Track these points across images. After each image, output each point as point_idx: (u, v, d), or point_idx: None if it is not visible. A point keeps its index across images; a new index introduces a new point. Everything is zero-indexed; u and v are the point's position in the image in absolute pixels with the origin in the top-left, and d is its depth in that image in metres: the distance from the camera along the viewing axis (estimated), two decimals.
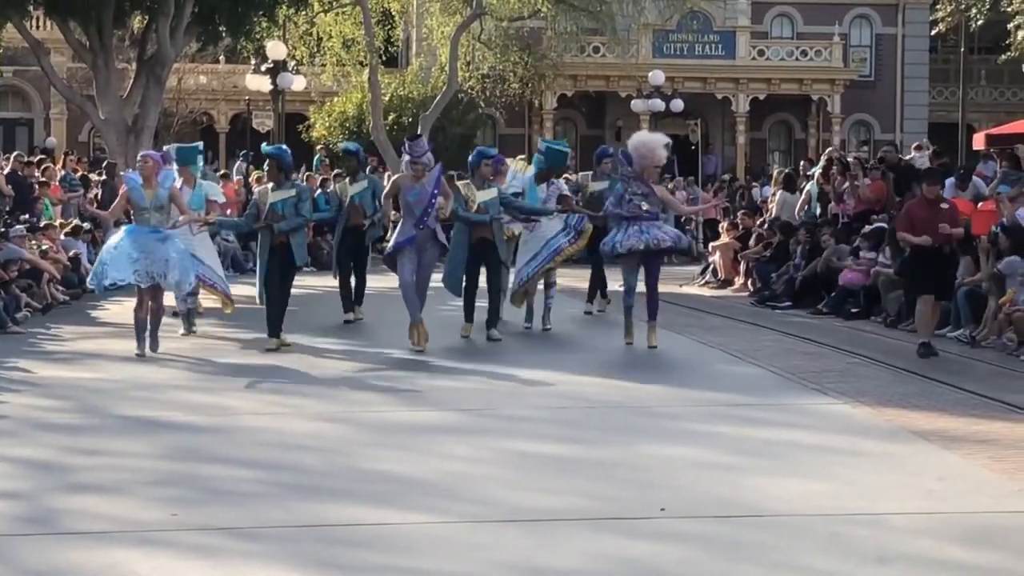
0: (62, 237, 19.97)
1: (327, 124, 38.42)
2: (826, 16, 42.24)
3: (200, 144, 16.52)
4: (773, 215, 22.14)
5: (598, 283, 16.64)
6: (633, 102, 37.37)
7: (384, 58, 38.13)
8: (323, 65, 38.33)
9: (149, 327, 12.98)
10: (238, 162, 33.87)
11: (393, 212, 14.45)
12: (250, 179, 27.59)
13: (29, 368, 12.37)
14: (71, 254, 19.43)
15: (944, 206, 13.45)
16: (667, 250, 13.53)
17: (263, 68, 31.17)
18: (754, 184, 33.16)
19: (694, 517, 6.95)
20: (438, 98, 35.66)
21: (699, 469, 8.04)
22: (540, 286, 15.07)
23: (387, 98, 37.07)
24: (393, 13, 39.24)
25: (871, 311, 16.56)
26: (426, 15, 38.99)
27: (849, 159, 21.11)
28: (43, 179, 22.46)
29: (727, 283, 21.69)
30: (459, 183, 14.67)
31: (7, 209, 20.54)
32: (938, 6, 38.60)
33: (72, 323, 15.93)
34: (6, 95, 42.29)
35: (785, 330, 15.44)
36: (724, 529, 6.73)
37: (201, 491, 7.55)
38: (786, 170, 25.96)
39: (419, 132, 33.41)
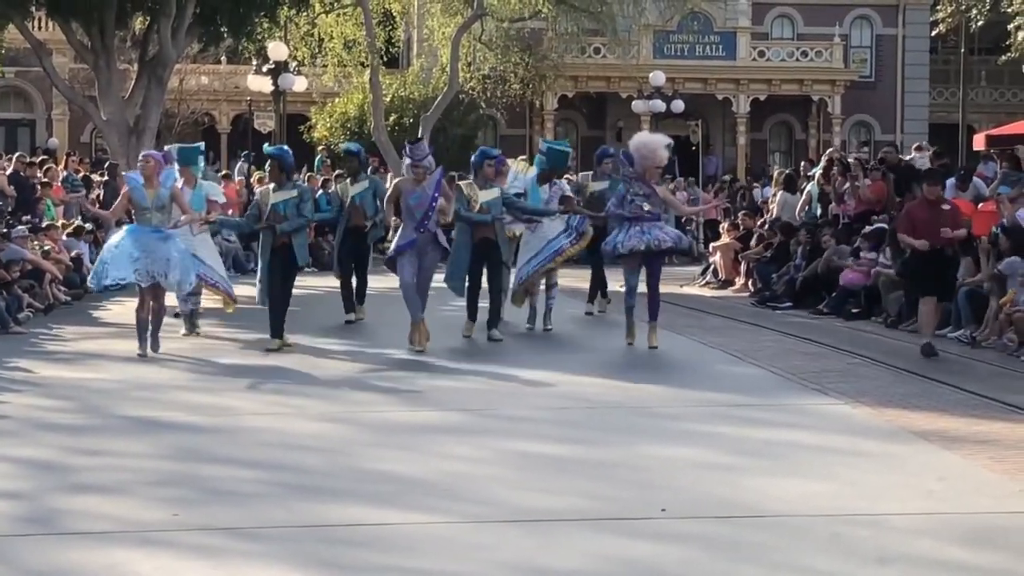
0: (64, 238, 19.98)
1: (328, 125, 38.42)
2: (826, 17, 42.25)
3: (201, 144, 16.53)
4: (774, 216, 22.15)
5: (598, 283, 16.65)
6: (634, 103, 37.37)
7: (385, 59, 38.13)
8: (324, 66, 38.35)
9: (151, 327, 13.00)
10: (239, 163, 33.90)
11: (395, 218, 14.49)
12: (251, 180, 27.61)
13: (31, 368, 12.39)
14: (73, 254, 19.44)
15: (946, 207, 13.42)
16: (668, 251, 13.55)
17: (264, 69, 31.19)
18: (755, 185, 33.14)
19: (695, 517, 6.96)
20: (439, 99, 35.66)
21: (700, 469, 8.05)
22: (541, 287, 15.09)
23: (388, 99, 37.08)
24: (394, 14, 39.23)
25: (872, 311, 16.57)
26: (427, 16, 39.00)
27: (850, 160, 21.10)
28: (45, 180, 22.47)
29: (728, 283, 21.70)
30: (462, 183, 14.69)
31: (9, 210, 20.55)
32: (938, 7, 38.60)
33: (74, 323, 15.95)
34: (8, 96, 42.30)
35: (786, 330, 15.44)
36: (725, 529, 6.73)
37: (202, 491, 7.56)
38: (787, 171, 25.97)
39: (420, 133, 33.54)
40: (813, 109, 42.45)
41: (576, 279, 17.66)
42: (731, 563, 6.20)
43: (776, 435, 9.13)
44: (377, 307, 16.33)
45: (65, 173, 24.77)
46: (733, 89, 41.32)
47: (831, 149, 27.22)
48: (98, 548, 6.45)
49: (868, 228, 17.74)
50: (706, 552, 6.39)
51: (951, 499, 7.36)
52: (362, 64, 36.84)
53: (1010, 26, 35.84)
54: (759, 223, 22.56)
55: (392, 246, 13.68)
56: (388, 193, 14.00)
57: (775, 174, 26.71)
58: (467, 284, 14.14)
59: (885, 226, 17.18)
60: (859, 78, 42.29)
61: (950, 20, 36.60)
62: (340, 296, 15.92)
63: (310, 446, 8.78)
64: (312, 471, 8.03)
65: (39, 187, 22.03)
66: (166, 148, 15.64)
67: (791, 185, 22.53)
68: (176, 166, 14.30)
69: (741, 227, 22.58)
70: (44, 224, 19.78)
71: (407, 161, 13.46)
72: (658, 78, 36.29)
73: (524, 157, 19.38)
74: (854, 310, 16.78)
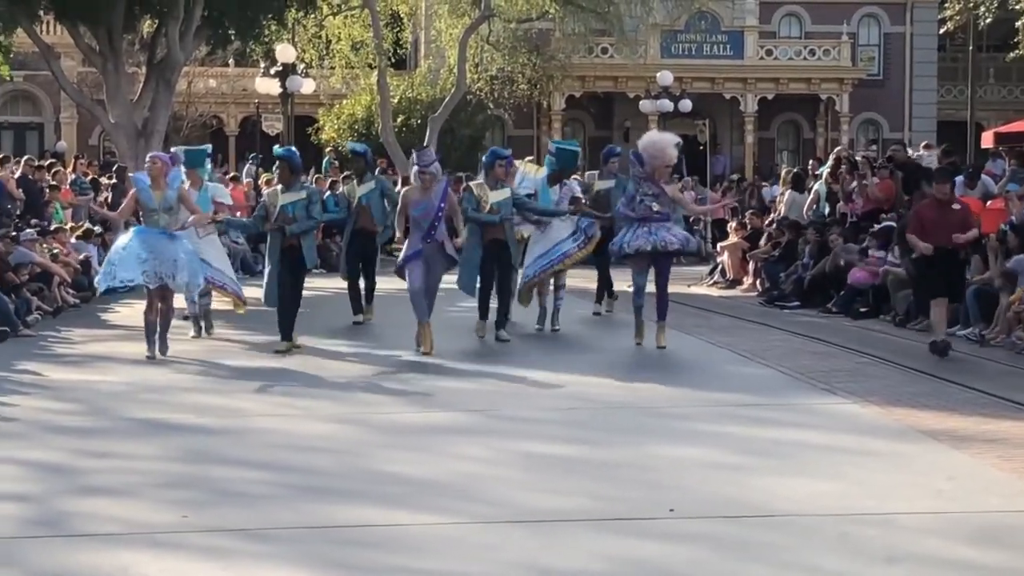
0: (72, 240, 20.01)
1: (336, 126, 38.45)
2: (834, 15, 42.22)
3: (208, 147, 16.59)
4: (782, 215, 22.13)
5: (604, 283, 16.65)
6: (641, 102, 37.35)
7: (393, 60, 38.17)
8: (332, 68, 38.40)
9: (159, 329, 13.02)
10: (247, 165, 33.92)
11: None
12: (259, 182, 27.62)
13: (40, 371, 12.41)
14: (81, 257, 19.48)
15: (956, 207, 13.21)
16: (675, 252, 13.52)
17: (272, 71, 31.21)
18: (763, 184, 33.09)
19: (703, 517, 6.96)
20: (447, 100, 35.67)
21: (708, 469, 8.05)
22: (550, 287, 15.09)
23: (396, 100, 37.10)
24: (402, 16, 39.28)
25: (880, 310, 16.55)
26: (434, 17, 39.02)
27: (857, 158, 21.09)
28: (53, 183, 22.53)
29: (736, 283, 21.68)
30: (472, 183, 14.76)
31: (18, 213, 20.60)
32: (946, 4, 38.47)
33: (82, 326, 15.98)
34: (17, 99, 42.40)
35: (794, 330, 15.43)
36: (733, 529, 6.73)
37: (211, 493, 7.57)
38: (794, 169, 25.97)
39: (428, 133, 33.66)
40: (821, 108, 42.42)
41: (584, 280, 17.66)
42: (739, 563, 6.20)
43: (784, 435, 9.12)
44: (385, 308, 16.34)
45: (73, 176, 24.82)
46: (741, 88, 41.29)
47: (839, 148, 27.21)
48: (107, 550, 6.46)
49: (876, 227, 17.73)
50: (714, 552, 6.39)
51: (960, 498, 7.34)
52: (370, 66, 36.87)
53: (1018, 23, 35.74)
54: (767, 222, 22.54)
55: (400, 256, 13.75)
56: (399, 206, 14.00)
57: (783, 173, 26.67)
58: (479, 285, 14.16)
59: (893, 224, 17.15)
60: (867, 76, 42.26)
61: (958, 17, 36.50)
62: (348, 297, 15.94)
63: (319, 447, 8.79)
64: (321, 472, 8.04)
65: (47, 190, 22.09)
66: (172, 150, 15.68)
67: (799, 184, 22.51)
68: (183, 168, 14.34)
69: (749, 226, 22.55)
70: (52, 227, 19.83)
71: (415, 168, 13.60)
72: (665, 78, 36.25)
73: (531, 158, 19.37)
74: (862, 309, 16.76)
